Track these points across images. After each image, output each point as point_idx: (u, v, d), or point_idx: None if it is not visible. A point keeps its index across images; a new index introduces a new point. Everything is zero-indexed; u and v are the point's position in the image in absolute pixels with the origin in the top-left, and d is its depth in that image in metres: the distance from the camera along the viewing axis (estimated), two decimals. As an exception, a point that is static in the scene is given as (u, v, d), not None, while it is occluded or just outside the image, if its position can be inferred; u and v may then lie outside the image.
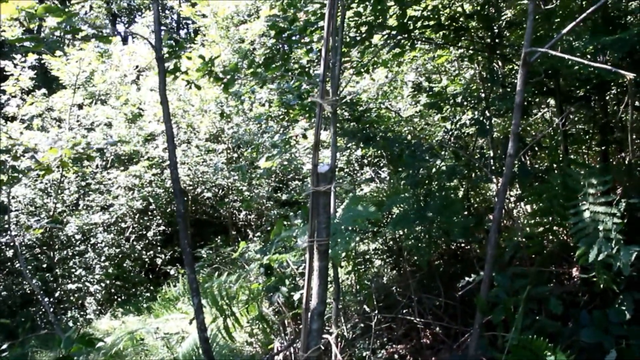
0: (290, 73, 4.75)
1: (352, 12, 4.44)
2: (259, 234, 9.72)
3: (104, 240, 10.14)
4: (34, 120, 10.04)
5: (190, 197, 10.67)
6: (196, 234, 11.33)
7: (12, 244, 8.33)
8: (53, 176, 9.29)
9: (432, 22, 4.74)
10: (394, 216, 4.73)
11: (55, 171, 6.77)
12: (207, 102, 9.72)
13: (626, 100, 5.04)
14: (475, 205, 6.07)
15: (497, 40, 4.92)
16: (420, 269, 4.98)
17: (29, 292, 9.28)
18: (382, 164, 6.80)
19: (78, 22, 3.03)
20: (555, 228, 4.34)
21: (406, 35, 4.67)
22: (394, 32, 4.65)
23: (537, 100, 5.97)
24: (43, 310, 8.77)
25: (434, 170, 4.68)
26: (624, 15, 4.78)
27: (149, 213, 10.92)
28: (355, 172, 7.08)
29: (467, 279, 3.99)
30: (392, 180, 6.09)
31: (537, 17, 4.50)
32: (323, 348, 3.45)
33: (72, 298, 9.59)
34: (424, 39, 5.04)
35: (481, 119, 4.62)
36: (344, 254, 4.19)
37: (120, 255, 10.23)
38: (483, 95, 5.23)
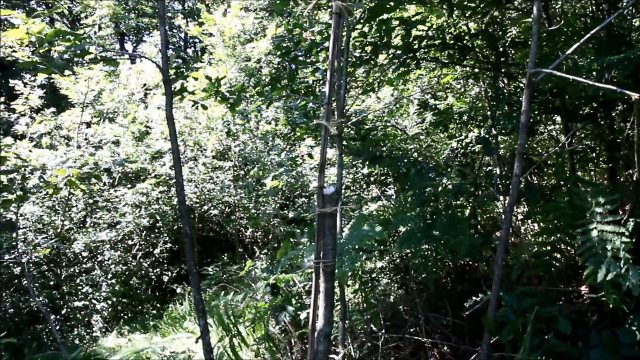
0: (296, 93, 4.78)
1: (357, 33, 4.47)
2: (265, 251, 9.71)
3: (111, 258, 10.16)
4: (42, 139, 10.16)
5: (197, 214, 10.69)
6: (203, 251, 11.34)
7: (20, 261, 8.36)
8: (61, 194, 9.35)
9: (437, 42, 4.77)
10: (401, 235, 4.72)
11: (63, 189, 6.83)
12: (214, 120, 9.79)
13: (633, 119, 5.04)
14: (482, 222, 6.05)
15: (502, 59, 4.93)
16: (428, 287, 4.95)
17: (35, 309, 9.28)
18: (388, 181, 6.80)
19: (86, 44, 3.06)
20: (562, 246, 4.31)
21: (411, 55, 4.69)
22: (399, 52, 4.68)
23: (543, 117, 5.98)
24: (50, 327, 8.77)
25: (440, 188, 4.67)
26: (628, 34, 4.79)
27: (156, 230, 10.95)
28: (362, 189, 7.08)
29: (474, 298, 3.97)
30: (398, 198, 6.08)
31: (542, 35, 4.53)
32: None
33: (78, 315, 9.58)
34: (429, 58, 5.06)
35: (487, 137, 4.62)
36: (350, 273, 4.18)
37: (127, 273, 10.24)
38: (489, 113, 5.24)
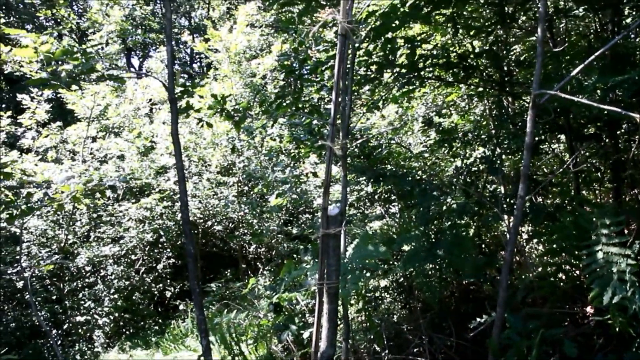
0: (301, 111, 4.80)
1: (362, 52, 4.49)
2: (268, 267, 9.67)
3: (114, 273, 10.14)
4: (48, 152, 10.22)
5: (200, 230, 10.67)
6: (206, 267, 11.30)
7: (22, 275, 8.36)
8: (65, 208, 9.36)
9: (441, 61, 4.79)
10: (405, 254, 4.70)
11: (67, 204, 6.84)
12: (219, 135, 9.82)
13: (638, 138, 5.03)
14: (487, 240, 6.02)
15: (506, 78, 4.94)
16: (431, 307, 4.92)
17: (37, 323, 9.25)
18: (392, 199, 6.79)
19: (93, 62, 3.09)
20: (567, 267, 4.28)
21: (416, 74, 4.71)
22: (403, 70, 4.70)
23: (548, 136, 5.97)
24: (51, 343, 8.72)
25: (444, 207, 4.66)
26: (632, 53, 4.80)
27: (159, 245, 10.93)
28: (366, 207, 7.06)
29: (478, 319, 3.93)
30: (402, 216, 6.07)
31: (546, 55, 4.54)
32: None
33: (80, 330, 9.54)
34: (433, 77, 5.08)
35: (491, 156, 4.61)
36: (353, 293, 4.16)
37: (129, 288, 10.21)
38: (493, 131, 5.24)
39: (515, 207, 3.30)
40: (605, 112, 4.28)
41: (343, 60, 2.42)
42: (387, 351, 4.68)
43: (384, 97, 5.27)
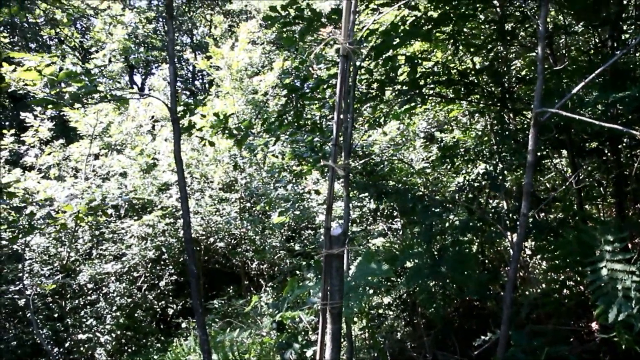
0: (303, 129, 4.82)
1: (363, 70, 4.52)
2: (271, 284, 9.64)
3: (116, 290, 10.09)
4: (51, 170, 10.25)
5: (202, 246, 10.65)
6: (208, 284, 11.25)
7: (24, 293, 8.33)
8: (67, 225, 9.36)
9: (442, 78, 4.82)
10: (408, 271, 4.69)
11: (69, 222, 6.85)
12: (221, 152, 9.84)
13: (640, 156, 5.03)
14: (490, 256, 6.00)
15: (507, 95, 4.97)
16: (435, 324, 4.89)
17: (39, 341, 9.19)
18: (395, 214, 6.78)
19: (96, 83, 3.12)
20: (571, 283, 4.26)
21: (417, 91, 4.73)
22: (405, 88, 4.72)
23: (550, 151, 5.98)
24: (53, 361, 8.67)
25: (447, 224, 4.66)
26: (632, 69, 4.82)
27: (162, 262, 10.90)
28: (369, 223, 7.05)
29: (483, 337, 3.91)
30: (405, 232, 6.05)
31: (547, 73, 4.56)
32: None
33: (82, 348, 9.47)
34: (434, 94, 5.11)
35: (493, 173, 4.62)
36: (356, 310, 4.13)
37: (131, 305, 10.15)
38: (495, 147, 5.25)
39: (518, 223, 3.30)
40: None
41: (345, 80, 2.44)
42: (391, 369, 4.64)
43: (385, 114, 5.30)
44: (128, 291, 10.22)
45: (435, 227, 4.62)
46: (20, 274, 8.51)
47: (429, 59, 4.88)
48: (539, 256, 5.78)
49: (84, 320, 9.78)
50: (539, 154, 4.87)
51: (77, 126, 10.83)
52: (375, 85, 4.69)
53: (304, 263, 7.95)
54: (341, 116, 2.60)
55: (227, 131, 4.29)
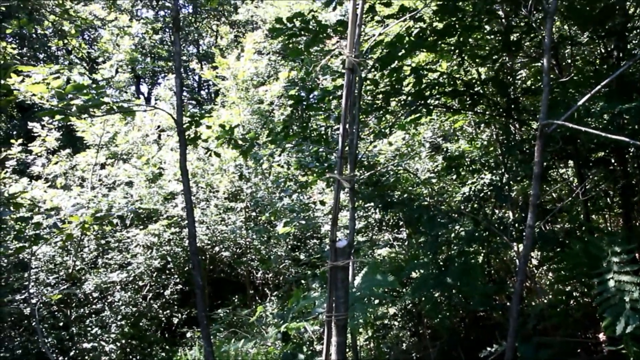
0: (308, 139, 4.83)
1: (369, 81, 4.54)
2: (276, 293, 9.62)
3: (121, 299, 10.09)
4: (57, 179, 10.30)
5: (207, 255, 10.65)
6: (213, 293, 11.23)
7: (30, 302, 8.34)
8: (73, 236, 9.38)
9: (448, 89, 4.82)
10: (413, 282, 4.67)
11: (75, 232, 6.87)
12: (226, 162, 9.87)
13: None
14: (496, 266, 5.97)
15: (513, 106, 4.97)
16: (441, 335, 4.86)
17: (44, 350, 9.18)
18: (400, 224, 6.77)
19: (103, 95, 3.15)
20: (577, 294, 4.23)
21: (423, 102, 4.74)
22: (410, 99, 4.73)
23: (556, 162, 5.96)
24: (58, 371, 8.66)
25: (453, 234, 4.64)
26: (638, 80, 4.82)
27: (167, 272, 10.90)
28: (374, 233, 7.04)
29: (489, 349, 3.88)
30: (410, 242, 6.04)
31: (552, 82, 4.56)
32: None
33: (87, 357, 9.45)
34: (440, 105, 5.11)
35: (499, 184, 4.61)
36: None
37: (136, 314, 10.14)
38: (501, 158, 5.24)
39: (524, 235, 3.28)
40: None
41: (350, 93, 2.45)
42: (396, 381, 4.62)
43: (391, 125, 5.30)
44: (133, 300, 10.21)
45: (441, 237, 4.61)
46: (26, 283, 8.53)
47: (435, 69, 4.88)
48: (545, 267, 5.75)
49: (89, 329, 9.77)
50: (545, 164, 4.85)
51: (84, 136, 10.89)
52: (380, 96, 4.70)
53: (309, 272, 7.94)
54: (347, 128, 2.61)
55: (232, 142, 4.31)
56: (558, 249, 4.24)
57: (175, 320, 10.82)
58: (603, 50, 5.42)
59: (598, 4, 4.63)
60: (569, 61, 5.70)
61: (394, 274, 4.08)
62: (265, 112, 10.17)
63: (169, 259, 10.18)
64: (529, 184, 5.19)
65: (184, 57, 19.44)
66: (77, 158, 10.84)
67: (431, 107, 4.92)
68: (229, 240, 10.16)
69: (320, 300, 3.77)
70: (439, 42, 4.46)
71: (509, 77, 5.46)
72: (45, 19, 10.68)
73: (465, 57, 4.99)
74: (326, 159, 5.33)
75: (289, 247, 10.07)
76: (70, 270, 9.62)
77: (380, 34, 3.90)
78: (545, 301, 4.67)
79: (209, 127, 4.16)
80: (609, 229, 5.94)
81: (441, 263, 4.43)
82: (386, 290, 4.74)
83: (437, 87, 4.77)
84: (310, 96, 4.52)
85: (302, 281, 8.50)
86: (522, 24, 4.87)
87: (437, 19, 4.39)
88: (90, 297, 10.25)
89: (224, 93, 11.58)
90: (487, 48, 5.12)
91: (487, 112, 5.25)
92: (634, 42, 5.33)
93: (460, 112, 5.49)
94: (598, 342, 4.80)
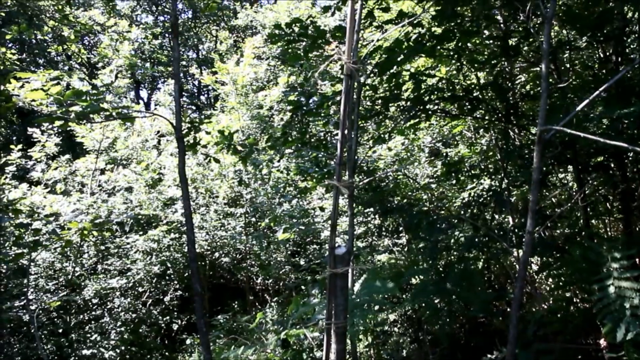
0: (307, 145, 4.82)
1: (367, 86, 4.54)
2: (276, 299, 9.59)
3: (121, 305, 10.05)
4: (57, 185, 10.29)
5: (207, 261, 10.62)
6: (213, 299, 11.20)
7: (29, 308, 8.31)
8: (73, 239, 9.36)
9: (447, 94, 4.82)
10: (413, 288, 4.66)
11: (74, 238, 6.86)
12: (226, 167, 9.86)
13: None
14: (496, 272, 5.96)
15: (512, 111, 4.96)
16: (441, 341, 4.84)
17: (43, 357, 9.14)
18: (400, 229, 6.75)
19: (103, 101, 3.14)
20: (577, 300, 4.22)
21: (421, 107, 4.74)
22: (409, 104, 4.73)
23: (555, 167, 5.95)
24: (56, 378, 8.62)
25: (452, 240, 4.64)
26: (637, 84, 4.82)
27: (166, 277, 10.87)
28: (374, 238, 7.02)
29: (489, 355, 3.87)
30: (410, 248, 6.02)
31: (551, 86, 4.56)
32: None
33: (86, 365, 9.42)
34: (439, 110, 5.11)
35: (498, 190, 4.60)
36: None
37: (136, 321, 10.10)
38: (500, 163, 5.24)
39: (523, 240, 3.27)
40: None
41: (349, 99, 2.45)
42: (396, 387, 4.60)
43: (390, 130, 5.30)
44: (133, 306, 10.18)
45: (440, 243, 4.60)
46: (25, 289, 8.50)
47: (433, 75, 4.88)
48: (545, 273, 5.73)
49: (89, 335, 9.73)
50: (544, 169, 4.84)
51: (83, 141, 10.90)
52: (379, 102, 4.70)
53: (309, 278, 7.93)
54: (345, 134, 2.61)
55: (232, 148, 4.31)
56: (558, 255, 4.22)
57: (175, 327, 10.79)
58: (602, 55, 5.42)
59: (596, 9, 4.64)
60: (568, 66, 5.70)
61: (394, 280, 4.07)
62: (265, 117, 10.17)
63: (169, 265, 10.15)
64: (528, 189, 5.18)
65: (184, 62, 19.46)
66: (77, 163, 10.84)
67: (430, 113, 4.92)
68: (229, 245, 10.14)
69: (319, 307, 3.75)
70: (438, 47, 4.46)
71: (507, 82, 5.46)
72: (45, 25, 10.70)
73: (464, 62, 4.99)
74: (326, 165, 5.32)
75: (289, 252, 10.05)
76: (69, 277, 9.60)
77: (379, 40, 3.90)
78: (545, 307, 4.66)
79: (208, 132, 4.15)
80: (609, 234, 5.92)
81: (441, 269, 4.42)
82: (386, 296, 4.72)
83: (436, 92, 4.77)
84: (310, 101, 4.52)
85: (302, 287, 8.48)
86: (520, 28, 4.88)
87: (436, 24, 4.39)
88: (90, 304, 10.21)
89: (223, 98, 11.59)
90: (485, 53, 5.13)
91: (486, 117, 5.25)
92: (632, 46, 5.33)
93: (459, 117, 5.48)
94: (599, 348, 4.78)
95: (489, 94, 5.22)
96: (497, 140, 6.22)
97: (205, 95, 22.81)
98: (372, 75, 4.42)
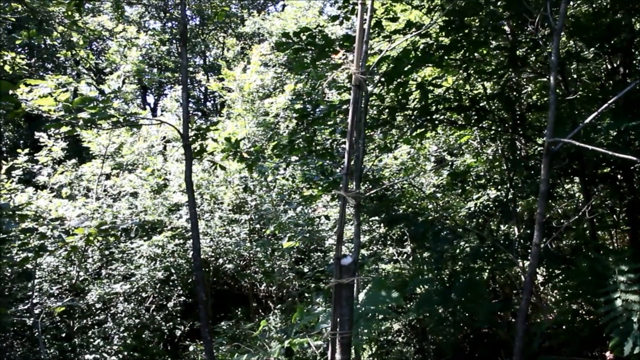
0: (313, 153, 4.83)
1: (374, 96, 4.54)
2: (280, 306, 9.56)
3: (124, 310, 10.04)
4: (63, 189, 10.33)
5: (211, 267, 10.61)
6: (216, 305, 11.17)
7: (33, 312, 8.32)
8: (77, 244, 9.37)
9: (453, 104, 4.82)
10: (418, 298, 4.64)
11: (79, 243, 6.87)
12: (231, 173, 9.87)
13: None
14: (501, 282, 5.93)
15: (518, 121, 4.96)
16: (446, 352, 4.81)
17: (45, 362, 9.13)
18: (405, 238, 6.73)
19: (110, 108, 3.16)
20: (583, 312, 4.19)
21: (428, 117, 4.74)
22: (416, 114, 4.74)
23: (562, 179, 5.93)
24: (60, 382, 8.61)
25: (457, 250, 4.62)
26: (645, 96, 4.80)
27: (170, 283, 10.86)
28: (379, 247, 7.00)
29: (494, 367, 3.84)
30: (415, 257, 6.00)
31: (559, 97, 4.55)
32: None
33: (89, 370, 9.41)
34: (445, 120, 5.11)
35: (505, 201, 4.59)
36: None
37: (139, 326, 10.08)
38: (506, 173, 5.22)
39: (529, 251, 3.26)
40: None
41: (356, 109, 2.45)
42: (400, 398, 4.57)
43: (396, 139, 5.30)
44: (136, 312, 10.16)
45: (445, 253, 4.58)
46: (30, 293, 8.51)
47: (440, 85, 4.89)
48: (551, 284, 5.70)
49: (92, 340, 9.72)
50: (551, 180, 4.83)
51: (89, 146, 10.94)
52: (386, 111, 4.70)
53: (313, 286, 7.90)
54: (352, 145, 2.61)
55: (238, 155, 4.31)
56: (564, 267, 4.20)
57: (178, 333, 10.76)
58: (609, 66, 5.41)
59: (604, 20, 4.64)
60: (575, 77, 5.70)
61: (398, 290, 4.06)
62: (271, 124, 10.19)
63: (173, 271, 10.14)
64: (534, 200, 5.16)
65: (191, 69, 19.53)
66: (83, 168, 10.88)
67: (437, 122, 4.92)
68: (233, 252, 10.13)
69: (324, 316, 3.74)
70: (445, 57, 4.47)
71: (514, 93, 5.46)
72: (54, 30, 10.78)
73: (471, 73, 5.00)
74: (331, 173, 5.32)
75: (293, 260, 10.03)
76: (73, 281, 9.60)
77: (387, 50, 3.91)
78: (551, 319, 4.63)
79: (215, 140, 4.16)
80: (616, 246, 5.89)
81: (446, 279, 4.40)
82: (390, 306, 4.70)
83: (442, 102, 4.77)
84: (317, 110, 4.52)
85: (306, 294, 8.45)
86: (527, 39, 4.88)
87: (444, 34, 4.40)
88: (93, 308, 10.21)
89: (229, 105, 11.62)
90: (493, 64, 5.13)
91: (493, 128, 5.24)
92: (639, 58, 5.33)
93: (466, 127, 5.48)
94: (605, 359, 4.74)
95: (496, 104, 5.22)
96: (503, 150, 6.21)
97: (212, 102, 22.88)
98: (379, 84, 4.43)
